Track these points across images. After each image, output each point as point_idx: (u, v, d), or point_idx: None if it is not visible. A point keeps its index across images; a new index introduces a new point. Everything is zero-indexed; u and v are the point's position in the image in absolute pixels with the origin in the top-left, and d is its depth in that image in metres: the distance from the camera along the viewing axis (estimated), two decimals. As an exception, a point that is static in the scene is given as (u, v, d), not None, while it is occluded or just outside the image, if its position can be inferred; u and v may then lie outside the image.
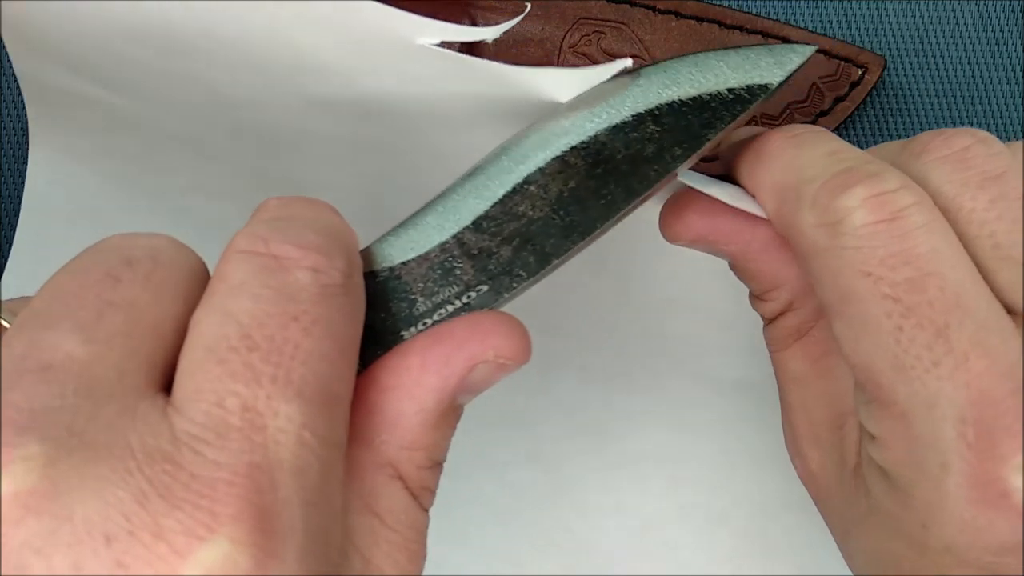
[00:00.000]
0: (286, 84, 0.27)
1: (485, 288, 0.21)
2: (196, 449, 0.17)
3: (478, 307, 0.21)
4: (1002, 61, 0.33)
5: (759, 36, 0.32)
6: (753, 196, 0.24)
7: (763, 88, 0.23)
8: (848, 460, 0.24)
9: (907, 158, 0.23)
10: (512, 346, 0.21)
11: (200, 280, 0.20)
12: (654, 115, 0.23)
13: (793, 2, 0.33)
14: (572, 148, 0.22)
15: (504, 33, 0.24)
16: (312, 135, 0.29)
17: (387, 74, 0.25)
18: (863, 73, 0.32)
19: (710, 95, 0.23)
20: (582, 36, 0.33)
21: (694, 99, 0.23)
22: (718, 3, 0.33)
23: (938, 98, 0.34)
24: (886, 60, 0.32)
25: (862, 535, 0.24)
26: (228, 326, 0.18)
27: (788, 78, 0.24)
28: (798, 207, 0.22)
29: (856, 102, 0.32)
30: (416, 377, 0.20)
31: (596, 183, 0.22)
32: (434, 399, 0.20)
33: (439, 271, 0.21)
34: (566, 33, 0.33)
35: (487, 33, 0.24)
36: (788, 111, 0.32)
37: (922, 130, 0.33)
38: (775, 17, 0.33)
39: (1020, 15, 0.33)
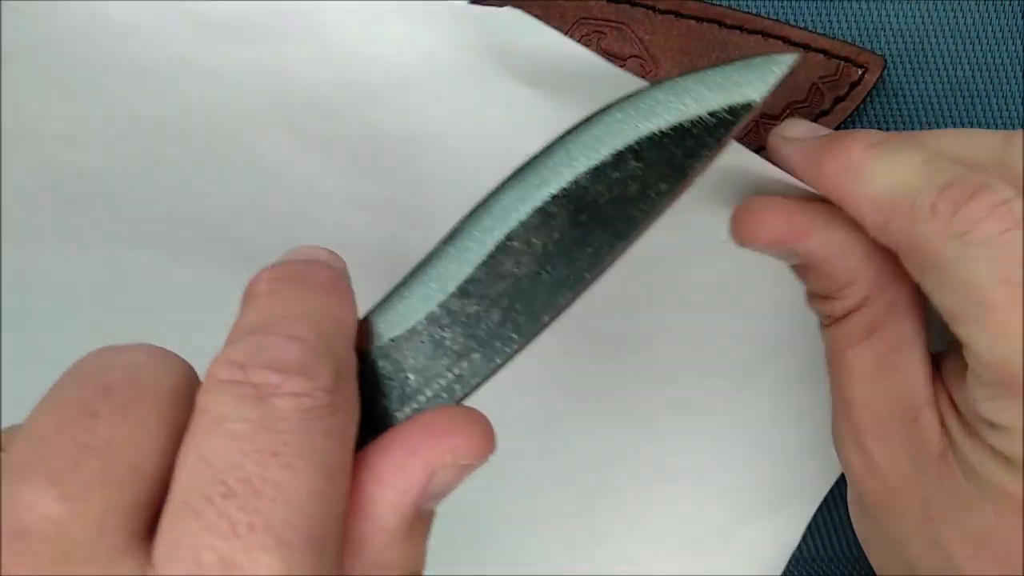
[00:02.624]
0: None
1: (477, 356, 0.21)
2: None
3: (471, 377, 0.21)
4: (1002, 61, 0.33)
5: (759, 36, 0.32)
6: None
7: (745, 107, 0.22)
8: (930, 449, 0.25)
9: (1014, 155, 0.23)
10: (473, 444, 0.19)
11: (186, 398, 0.19)
12: (634, 151, 0.22)
13: (793, 2, 0.33)
14: (553, 197, 0.21)
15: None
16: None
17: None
18: (863, 73, 0.32)
19: (691, 122, 0.22)
20: (582, 36, 0.33)
21: (675, 128, 0.22)
22: (718, 3, 0.32)
23: (938, 98, 0.34)
24: (886, 60, 0.32)
25: (964, 518, 0.24)
26: (202, 471, 0.17)
27: (771, 91, 0.22)
28: (914, 219, 0.22)
29: (856, 102, 0.32)
30: (370, 494, 0.19)
31: (581, 232, 0.21)
32: (393, 516, 0.19)
33: (429, 344, 0.21)
34: (566, 33, 0.33)
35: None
36: (788, 111, 0.32)
37: (922, 130, 0.33)
38: (775, 17, 0.33)
39: (1020, 15, 0.33)
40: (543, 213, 0.21)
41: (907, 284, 0.25)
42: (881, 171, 0.23)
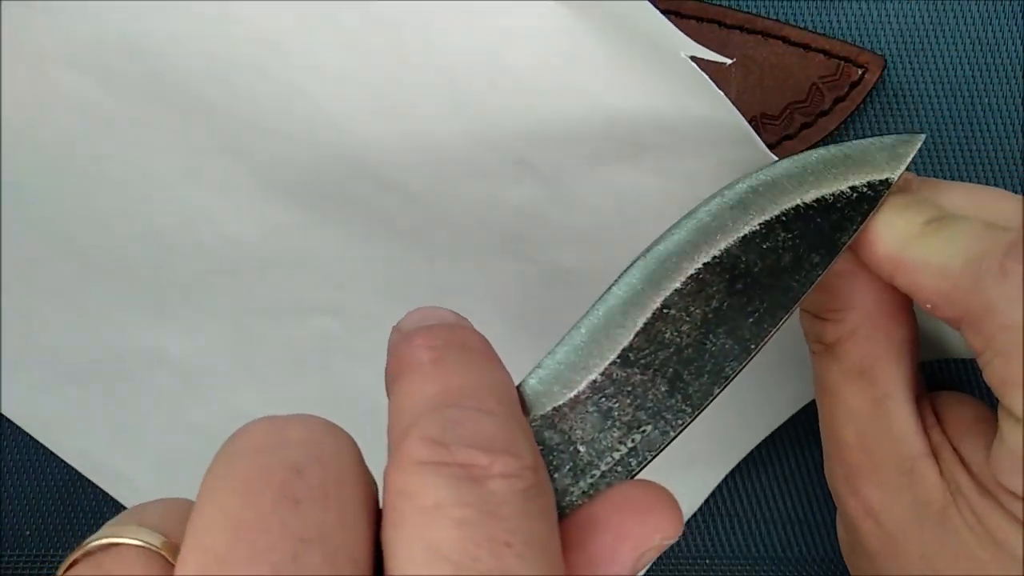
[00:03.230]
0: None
1: (649, 427, 0.20)
2: None
3: (645, 450, 0.20)
4: (1002, 61, 0.33)
5: (759, 36, 0.32)
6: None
7: (884, 183, 0.22)
8: (930, 502, 0.24)
9: None
10: (673, 524, 0.18)
11: (367, 477, 0.18)
12: (782, 222, 0.22)
13: (793, 2, 0.33)
14: (706, 265, 0.21)
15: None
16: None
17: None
18: (863, 73, 0.32)
19: (833, 195, 0.22)
20: (582, 36, 0.33)
21: (818, 201, 0.22)
22: (718, 3, 0.32)
23: (938, 98, 0.34)
24: (886, 60, 0.32)
25: (969, 573, 0.23)
26: (436, 564, 0.16)
27: (904, 169, 0.23)
28: (981, 284, 0.22)
29: (856, 102, 0.32)
30: None
31: (740, 300, 0.21)
32: None
33: (596, 414, 0.20)
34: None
35: (726, 59, 0.24)
36: (788, 111, 0.32)
37: (922, 130, 0.33)
38: (775, 17, 0.33)
39: (1020, 15, 0.33)
40: (698, 280, 0.21)
41: (900, 332, 0.25)
42: (942, 240, 0.23)
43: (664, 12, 0.33)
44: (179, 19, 0.26)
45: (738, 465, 0.34)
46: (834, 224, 0.22)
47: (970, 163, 0.33)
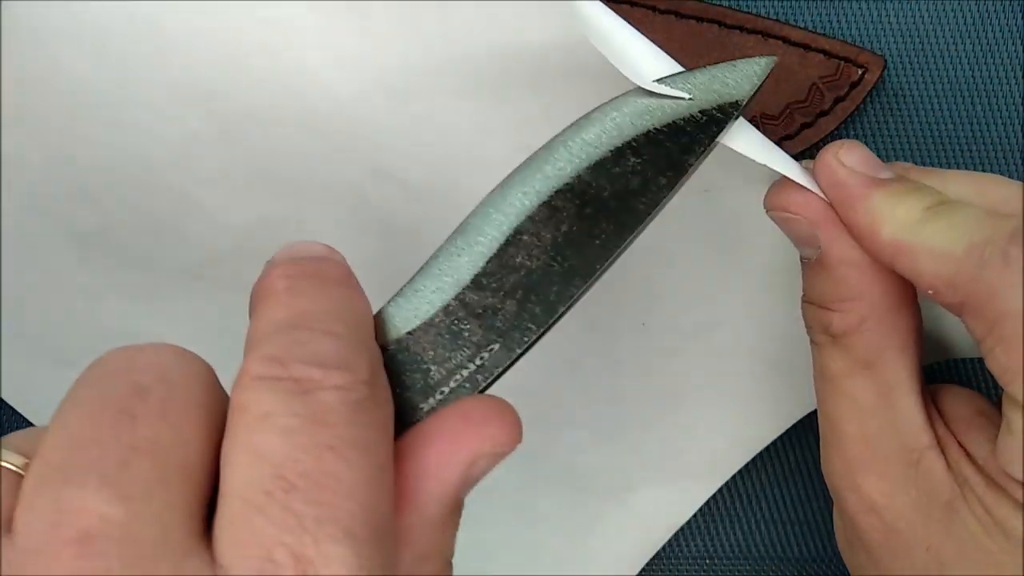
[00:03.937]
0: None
1: (496, 346, 0.21)
2: None
3: (492, 367, 0.21)
4: (1002, 61, 0.33)
5: (759, 36, 0.32)
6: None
7: (734, 105, 0.23)
8: (937, 495, 0.24)
9: None
10: (508, 433, 0.20)
11: (216, 397, 0.19)
12: (632, 147, 0.23)
13: (793, 2, 0.33)
14: (557, 191, 0.22)
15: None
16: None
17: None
18: (863, 73, 0.32)
19: (683, 119, 0.23)
20: (582, 36, 0.33)
21: (668, 126, 0.23)
22: (718, 3, 0.32)
23: (938, 98, 0.34)
24: (886, 60, 0.32)
25: (980, 567, 0.24)
26: (258, 467, 0.17)
27: (756, 92, 0.24)
28: (984, 271, 0.22)
29: (856, 102, 0.32)
30: (415, 485, 0.19)
31: (588, 224, 0.22)
32: (438, 506, 0.19)
33: (447, 335, 0.21)
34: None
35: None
36: (788, 111, 0.32)
37: (922, 130, 0.33)
38: (775, 17, 0.33)
39: (1020, 15, 0.33)
40: (549, 207, 0.22)
41: (906, 323, 0.25)
42: (944, 226, 0.23)
43: (664, 12, 0.33)
44: None
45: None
46: (683, 147, 0.23)
47: (970, 163, 0.33)
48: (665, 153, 0.23)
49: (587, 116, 0.23)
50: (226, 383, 0.19)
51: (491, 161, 0.28)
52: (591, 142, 0.23)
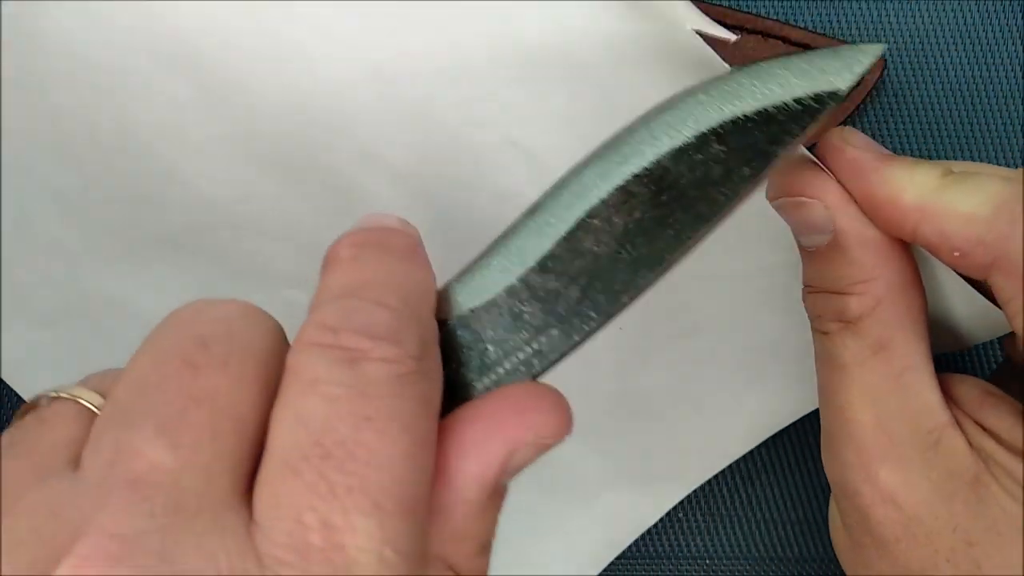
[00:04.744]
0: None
1: (556, 332, 0.21)
2: (280, 574, 0.16)
3: (549, 352, 0.21)
4: (1002, 61, 0.33)
5: (759, 36, 0.32)
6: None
7: (832, 95, 0.22)
8: (961, 473, 0.24)
9: None
10: (552, 424, 0.19)
11: (278, 354, 0.19)
12: (717, 134, 0.21)
13: (793, 2, 0.33)
14: (634, 176, 0.21)
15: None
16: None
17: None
18: (863, 73, 0.32)
19: (776, 107, 0.22)
20: (582, 36, 0.33)
21: (759, 113, 0.21)
22: (718, 3, 0.32)
23: (938, 98, 0.34)
24: (886, 60, 0.32)
25: (1016, 542, 0.23)
26: (299, 432, 0.17)
27: (858, 82, 0.22)
28: (1015, 228, 0.22)
29: (856, 102, 0.32)
30: (455, 465, 0.19)
31: (662, 212, 0.21)
32: (475, 488, 0.19)
33: (507, 317, 0.21)
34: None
35: (729, 34, 0.25)
36: (788, 111, 0.32)
37: (922, 130, 0.33)
38: (775, 17, 0.33)
39: (1020, 15, 0.33)
40: (624, 192, 0.21)
41: (917, 303, 0.25)
42: (966, 189, 0.23)
43: (664, 12, 0.33)
44: None
45: (737, 465, 0.34)
46: (771, 136, 0.21)
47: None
48: (752, 142, 0.21)
49: (672, 98, 0.22)
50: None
51: (478, 150, 0.28)
52: (674, 125, 0.21)
